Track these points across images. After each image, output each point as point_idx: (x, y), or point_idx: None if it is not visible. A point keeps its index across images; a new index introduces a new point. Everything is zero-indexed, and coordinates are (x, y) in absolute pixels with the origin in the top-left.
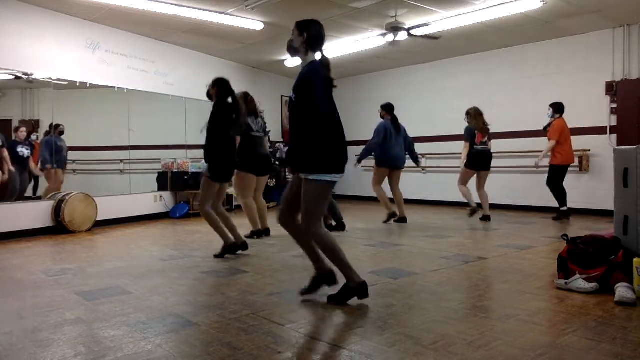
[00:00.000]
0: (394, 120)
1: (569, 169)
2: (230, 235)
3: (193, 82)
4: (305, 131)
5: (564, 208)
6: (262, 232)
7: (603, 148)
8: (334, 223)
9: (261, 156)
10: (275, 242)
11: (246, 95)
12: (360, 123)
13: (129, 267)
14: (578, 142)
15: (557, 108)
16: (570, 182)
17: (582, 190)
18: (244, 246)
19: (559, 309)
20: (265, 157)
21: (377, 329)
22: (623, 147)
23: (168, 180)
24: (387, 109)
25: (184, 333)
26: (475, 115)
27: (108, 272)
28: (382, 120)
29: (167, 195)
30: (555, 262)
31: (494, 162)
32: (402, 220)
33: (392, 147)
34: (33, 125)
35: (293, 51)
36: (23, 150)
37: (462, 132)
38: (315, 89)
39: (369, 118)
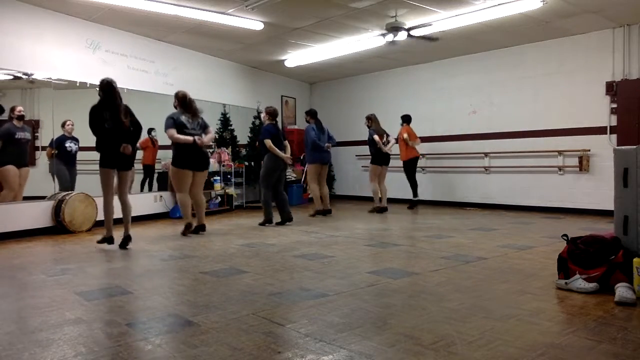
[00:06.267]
0: (318, 123)
1: (567, 169)
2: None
3: (193, 82)
4: None
5: (416, 198)
6: (198, 228)
7: (603, 148)
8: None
9: (194, 152)
10: (276, 242)
11: (184, 97)
12: (360, 123)
13: (129, 267)
14: (578, 142)
15: (404, 119)
16: (570, 182)
17: (582, 190)
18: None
19: (559, 309)
20: (199, 152)
21: (377, 329)
22: (623, 147)
23: (168, 180)
24: (311, 115)
25: (184, 333)
26: (375, 120)
27: (108, 272)
28: (307, 124)
29: (167, 195)
30: (555, 262)
31: (493, 162)
32: (328, 212)
33: (320, 147)
34: (33, 125)
35: None
36: (71, 146)
37: (461, 132)
38: None
39: None
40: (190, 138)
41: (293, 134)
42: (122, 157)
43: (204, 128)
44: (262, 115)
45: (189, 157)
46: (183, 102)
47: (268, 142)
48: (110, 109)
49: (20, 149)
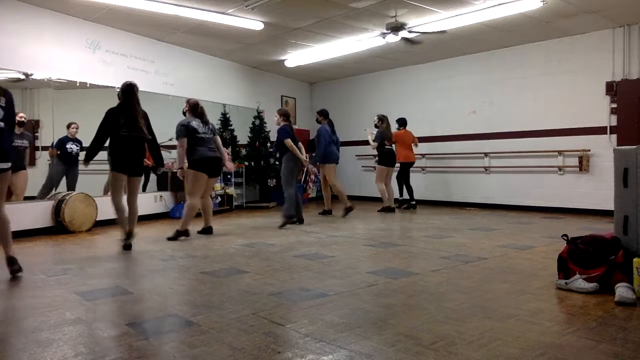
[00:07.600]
0: (330, 123)
1: (567, 169)
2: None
3: (193, 82)
4: None
5: (413, 202)
6: (206, 230)
7: (603, 148)
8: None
9: (207, 156)
10: (275, 242)
11: (196, 105)
12: (360, 123)
13: (129, 267)
14: (578, 142)
15: (400, 123)
16: (570, 182)
17: (582, 190)
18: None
19: (559, 309)
20: (212, 157)
21: (377, 329)
22: (623, 147)
23: (168, 180)
24: (324, 114)
25: (184, 333)
26: (386, 123)
27: (108, 272)
28: (319, 125)
29: (167, 195)
30: (555, 262)
31: (493, 162)
32: (329, 212)
33: (332, 147)
34: (33, 125)
35: None
36: (72, 147)
37: (461, 132)
38: None
39: (368, 118)
40: (185, 163)
41: None
42: (134, 163)
43: (214, 133)
44: (276, 118)
45: (208, 161)
46: (194, 109)
47: (289, 142)
48: (127, 115)
49: (17, 156)
